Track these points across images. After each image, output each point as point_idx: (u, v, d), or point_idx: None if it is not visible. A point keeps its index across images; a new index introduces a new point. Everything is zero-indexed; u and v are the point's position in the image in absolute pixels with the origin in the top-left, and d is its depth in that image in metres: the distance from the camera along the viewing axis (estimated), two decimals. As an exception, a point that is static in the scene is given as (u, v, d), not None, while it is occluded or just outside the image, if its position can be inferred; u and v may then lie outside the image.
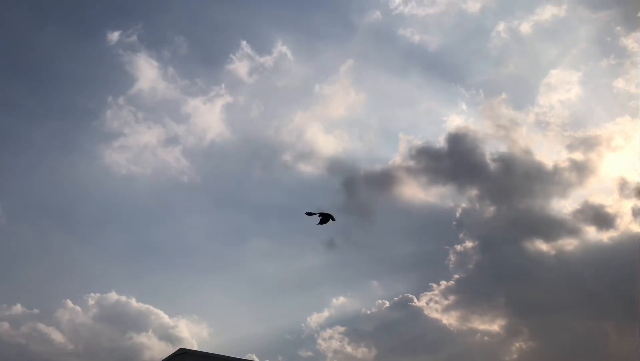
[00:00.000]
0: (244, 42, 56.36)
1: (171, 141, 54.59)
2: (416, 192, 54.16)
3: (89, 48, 54.32)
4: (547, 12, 51.79)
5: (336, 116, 57.02)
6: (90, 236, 47.31)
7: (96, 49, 53.96)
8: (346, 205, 52.76)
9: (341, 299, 51.33)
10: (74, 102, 53.48)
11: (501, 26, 53.63)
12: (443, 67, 56.67)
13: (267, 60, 56.56)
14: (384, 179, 54.90)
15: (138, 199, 52.02)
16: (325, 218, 38.57)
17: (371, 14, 57.67)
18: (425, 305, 49.49)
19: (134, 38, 53.07)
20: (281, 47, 56.67)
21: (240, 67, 56.02)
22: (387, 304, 50.27)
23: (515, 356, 44.96)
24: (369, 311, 50.26)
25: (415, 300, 49.72)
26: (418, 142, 54.92)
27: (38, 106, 52.09)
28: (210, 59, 58.38)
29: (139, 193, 52.60)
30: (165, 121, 54.66)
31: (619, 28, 49.01)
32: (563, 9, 51.47)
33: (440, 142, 55.12)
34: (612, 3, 49.78)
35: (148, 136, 54.14)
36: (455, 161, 51.78)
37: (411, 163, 53.87)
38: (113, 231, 49.21)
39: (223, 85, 56.58)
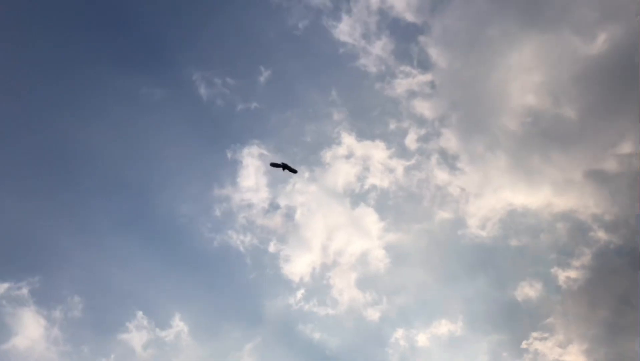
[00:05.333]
0: (140, 313, 55.40)
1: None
2: None
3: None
4: (444, 327, 53.55)
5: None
6: None
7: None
8: None
9: None
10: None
11: (399, 333, 54.63)
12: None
13: (167, 334, 55.31)
14: None
15: None
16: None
17: (277, 303, 57.81)
18: None
19: (24, 291, 52.16)
20: (179, 323, 55.92)
21: (135, 337, 54.42)
22: None
23: None
24: None
25: None
26: None
27: None
28: (103, 325, 55.02)
29: None
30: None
31: (505, 354, 51.38)
32: (459, 327, 53.14)
33: None
34: (502, 330, 52.11)
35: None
36: None
37: None
38: None
39: (112, 356, 53.23)
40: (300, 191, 59.75)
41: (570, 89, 52.67)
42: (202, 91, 61.28)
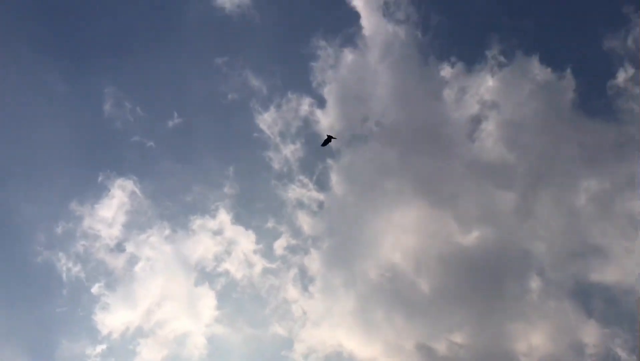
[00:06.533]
0: None
1: None
2: None
3: None
4: None
5: None
6: None
7: None
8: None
9: None
10: None
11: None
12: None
13: None
14: None
15: None
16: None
17: (73, 348, 53.36)
18: None
19: None
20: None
21: None
22: None
23: None
24: None
25: None
26: None
27: None
28: None
29: None
30: None
31: None
32: None
33: None
34: None
35: None
36: None
37: None
38: None
39: None
40: (153, 245, 56.94)
41: (433, 266, 55.77)
42: (107, 107, 58.89)
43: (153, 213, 57.71)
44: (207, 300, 56.05)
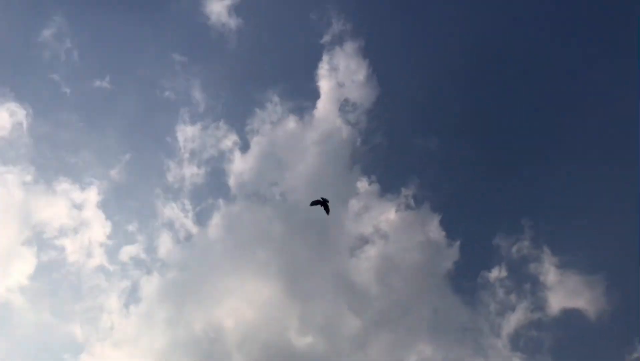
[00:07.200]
0: None
1: None
2: None
3: None
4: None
5: None
6: None
7: None
8: None
9: None
10: None
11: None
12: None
13: None
14: None
15: None
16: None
17: None
18: None
19: None
20: None
21: None
22: None
23: None
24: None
25: None
26: None
27: None
28: None
29: None
30: None
31: None
32: None
33: None
34: None
35: None
36: None
37: None
38: None
39: None
40: (5, 182, 52.68)
41: (256, 350, 53.59)
42: (46, 32, 56.07)
43: (26, 152, 53.83)
44: (25, 266, 51.60)
